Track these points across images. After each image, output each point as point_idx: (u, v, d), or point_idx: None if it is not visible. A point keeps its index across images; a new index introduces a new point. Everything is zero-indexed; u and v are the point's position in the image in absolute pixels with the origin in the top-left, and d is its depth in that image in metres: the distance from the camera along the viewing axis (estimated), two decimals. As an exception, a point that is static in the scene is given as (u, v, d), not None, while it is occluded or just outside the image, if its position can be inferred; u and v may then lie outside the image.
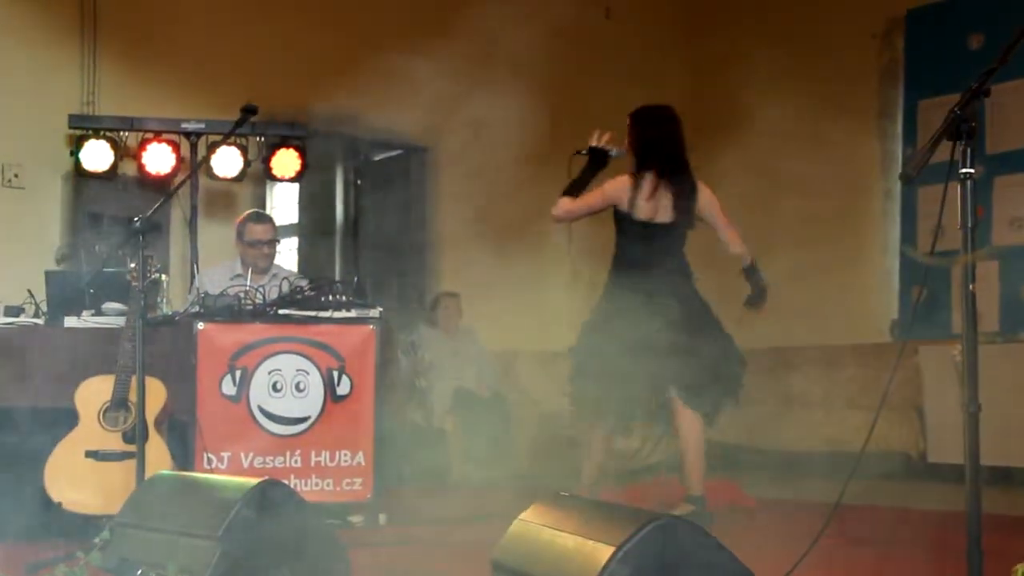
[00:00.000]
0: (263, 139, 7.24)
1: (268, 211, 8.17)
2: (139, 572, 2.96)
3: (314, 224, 9.23)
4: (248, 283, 5.41)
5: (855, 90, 8.60)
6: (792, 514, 5.37)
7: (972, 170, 2.54)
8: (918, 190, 7.96)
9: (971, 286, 2.54)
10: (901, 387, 7.48)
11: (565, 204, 5.22)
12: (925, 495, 6.53)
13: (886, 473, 6.92)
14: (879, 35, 8.59)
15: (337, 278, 8.31)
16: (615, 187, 5.20)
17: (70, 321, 5.02)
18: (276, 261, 6.12)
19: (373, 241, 8.95)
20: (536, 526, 2.66)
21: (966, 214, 2.55)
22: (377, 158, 9.04)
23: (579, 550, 2.37)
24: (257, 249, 5.89)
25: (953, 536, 4.73)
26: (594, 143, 5.34)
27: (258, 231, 5.93)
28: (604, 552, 2.25)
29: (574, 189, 5.24)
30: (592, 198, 5.25)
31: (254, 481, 3.16)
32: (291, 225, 9.47)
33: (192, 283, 6.34)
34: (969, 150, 2.53)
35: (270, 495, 3.13)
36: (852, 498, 3.32)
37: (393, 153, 8.92)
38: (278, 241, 6.08)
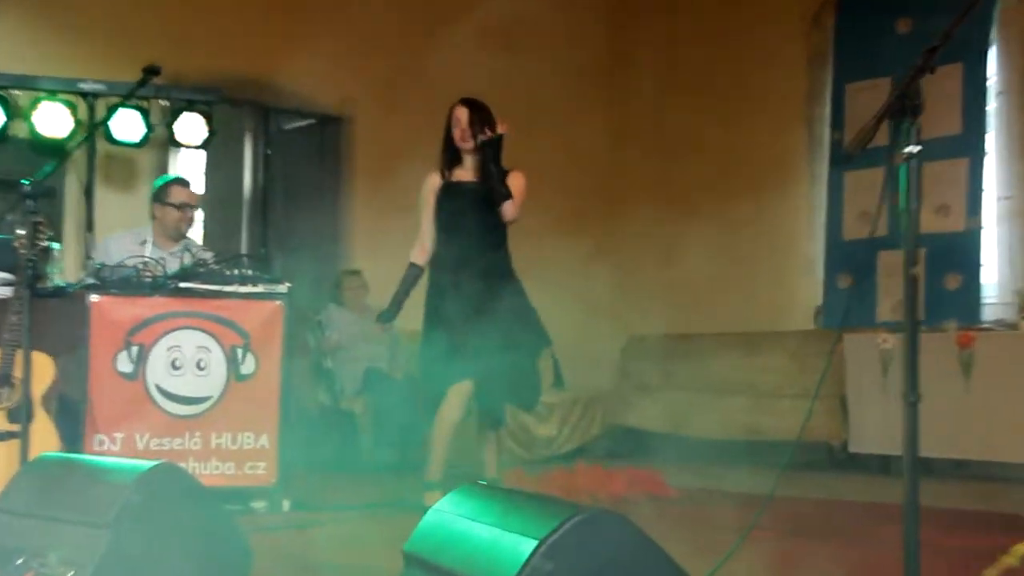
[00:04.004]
0: (167, 103, 7.07)
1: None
2: (19, 562, 2.81)
3: (220, 195, 9.01)
4: (149, 252, 5.23)
5: (783, 72, 8.63)
6: (713, 505, 5.36)
7: (917, 148, 2.48)
8: (844, 175, 8.00)
9: (912, 270, 2.49)
10: (825, 376, 7.52)
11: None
12: (847, 486, 6.58)
13: (808, 463, 6.98)
14: (809, 16, 8.61)
15: (243, 252, 8.15)
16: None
17: (-48, 291, 4.81)
18: (192, 237, 5.97)
19: (282, 214, 8.78)
20: (452, 516, 2.56)
21: (911, 195, 2.49)
22: (288, 127, 8.86)
23: (499, 543, 2.27)
24: (183, 212, 5.74)
25: (880, 528, 4.77)
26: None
27: (185, 194, 5.78)
28: (526, 546, 2.16)
29: None
30: None
31: (148, 464, 3.03)
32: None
33: (88, 252, 6.14)
34: (913, 129, 2.47)
35: (164, 479, 3.02)
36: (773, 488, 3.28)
37: (305, 122, 8.74)
38: (198, 208, 5.95)
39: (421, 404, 5.54)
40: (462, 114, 5.37)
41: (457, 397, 5.25)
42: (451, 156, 5.46)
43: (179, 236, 5.77)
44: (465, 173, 5.44)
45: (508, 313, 5.25)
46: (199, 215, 9.15)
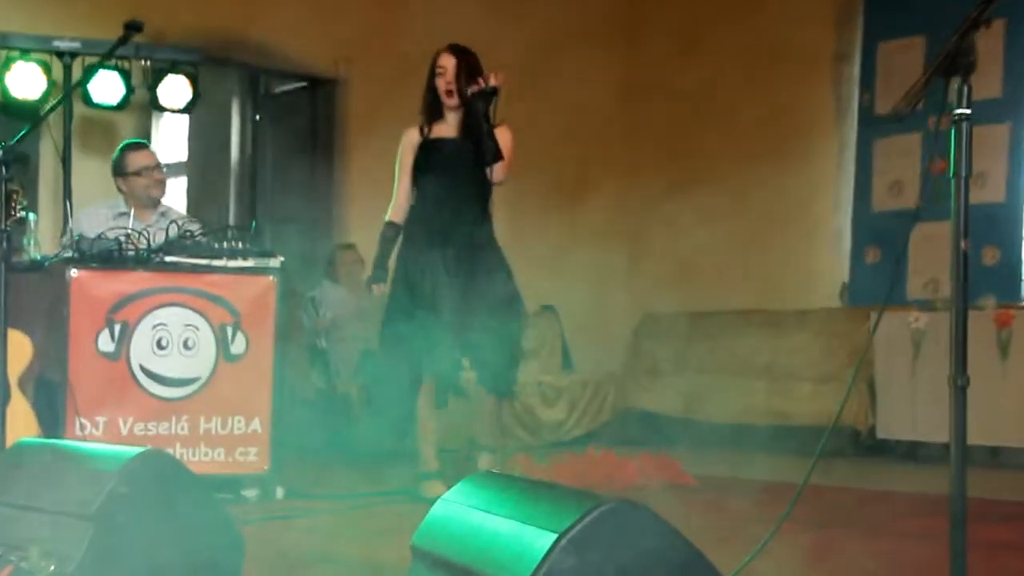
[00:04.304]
0: (149, 63, 6.98)
1: (153, 145, 7.93)
2: (-4, 555, 2.79)
3: (206, 162, 8.97)
4: (140, 225, 5.19)
5: (809, 30, 8.55)
6: (735, 493, 5.34)
7: (968, 110, 2.44)
8: (874, 142, 7.96)
9: (963, 244, 2.45)
10: (852, 357, 7.49)
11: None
12: (875, 474, 6.57)
13: (834, 450, 6.95)
14: (837, -30, 8.55)
15: (231, 223, 8.11)
16: None
17: (-80, 265, 4.77)
18: (168, 203, 5.91)
19: (271, 184, 8.74)
20: (463, 507, 2.53)
21: (960, 161, 2.44)
22: (279, 90, 8.81)
23: (515, 536, 2.24)
24: (147, 177, 5.67)
25: (911, 519, 4.75)
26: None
27: (142, 157, 5.71)
28: (545, 540, 2.13)
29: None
30: None
31: (134, 451, 3.00)
32: (179, 163, 9.21)
33: (65, 224, 6.09)
34: (964, 89, 2.43)
35: (152, 467, 2.99)
36: (798, 477, 3.25)
37: (297, 85, 8.68)
38: (163, 168, 5.88)
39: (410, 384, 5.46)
40: (448, 63, 5.20)
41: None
42: (433, 109, 5.31)
43: (154, 202, 5.71)
44: (447, 129, 5.28)
45: (488, 291, 5.16)
46: (182, 183, 9.18)
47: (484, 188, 5.24)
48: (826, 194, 8.55)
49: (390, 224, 5.35)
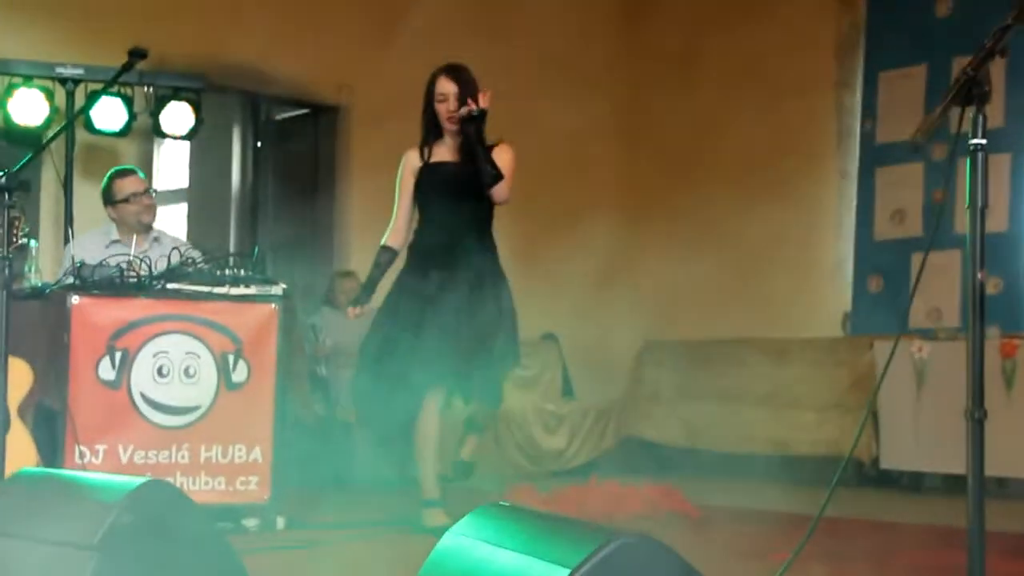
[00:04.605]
0: (152, 90, 6.98)
1: (155, 172, 7.91)
2: (-4, 587, 2.75)
3: (207, 189, 8.96)
4: (133, 251, 5.16)
5: (811, 58, 8.56)
6: (740, 524, 5.30)
7: (983, 141, 2.42)
8: (876, 170, 7.95)
9: (979, 274, 2.42)
10: (855, 387, 7.45)
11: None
12: (880, 505, 6.51)
13: (838, 480, 6.90)
14: (839, -1, 8.56)
15: (232, 250, 8.08)
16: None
17: (-79, 291, 4.73)
18: (161, 228, 5.89)
19: (273, 211, 8.72)
20: (470, 541, 2.49)
21: (976, 192, 2.42)
22: (280, 117, 8.80)
23: (525, 572, 2.20)
24: (136, 203, 5.64)
25: (924, 551, 4.71)
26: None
27: (128, 184, 5.68)
28: (557, 575, 2.09)
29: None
30: None
31: (136, 481, 2.96)
32: (180, 190, 9.20)
33: (65, 251, 6.07)
34: (982, 117, 2.41)
35: (154, 497, 2.94)
36: (802, 507, 3.22)
37: (298, 112, 8.67)
38: (153, 193, 5.85)
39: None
40: (449, 90, 5.13)
41: (433, 407, 5.13)
42: (431, 132, 5.25)
43: (146, 228, 5.69)
44: (447, 152, 5.23)
45: (486, 309, 5.10)
46: (183, 210, 9.16)
47: (486, 211, 5.20)
48: (828, 222, 8.53)
49: (385, 248, 5.29)
